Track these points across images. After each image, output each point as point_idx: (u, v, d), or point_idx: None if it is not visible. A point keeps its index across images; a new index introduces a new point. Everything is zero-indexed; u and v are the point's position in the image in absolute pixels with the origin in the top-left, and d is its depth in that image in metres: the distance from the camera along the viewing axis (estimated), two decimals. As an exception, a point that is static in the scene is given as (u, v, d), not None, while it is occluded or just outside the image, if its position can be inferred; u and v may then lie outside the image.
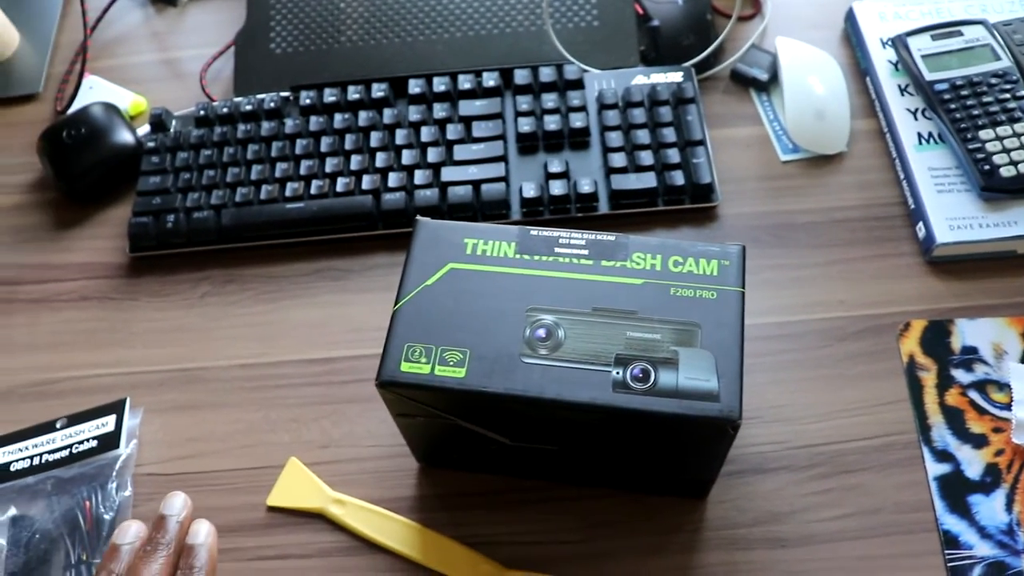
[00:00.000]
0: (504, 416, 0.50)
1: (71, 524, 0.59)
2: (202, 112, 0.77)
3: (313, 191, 0.71)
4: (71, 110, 0.81)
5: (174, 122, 0.78)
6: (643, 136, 0.72)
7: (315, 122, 0.75)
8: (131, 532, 0.46)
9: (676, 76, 0.75)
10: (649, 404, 0.46)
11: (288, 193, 0.71)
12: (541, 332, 0.49)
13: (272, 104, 0.76)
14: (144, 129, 0.78)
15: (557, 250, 0.52)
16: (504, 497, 0.59)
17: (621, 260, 0.51)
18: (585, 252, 0.52)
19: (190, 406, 0.65)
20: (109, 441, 0.62)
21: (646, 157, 0.71)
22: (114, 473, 0.61)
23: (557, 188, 0.70)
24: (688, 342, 0.48)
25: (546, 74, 0.75)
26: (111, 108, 0.78)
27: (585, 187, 0.69)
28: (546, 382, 0.47)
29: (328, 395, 0.64)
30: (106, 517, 0.59)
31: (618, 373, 0.47)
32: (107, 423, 0.63)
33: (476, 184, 0.70)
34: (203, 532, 0.46)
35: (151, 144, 0.75)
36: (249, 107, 0.76)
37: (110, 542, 0.46)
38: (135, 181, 0.75)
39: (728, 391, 0.46)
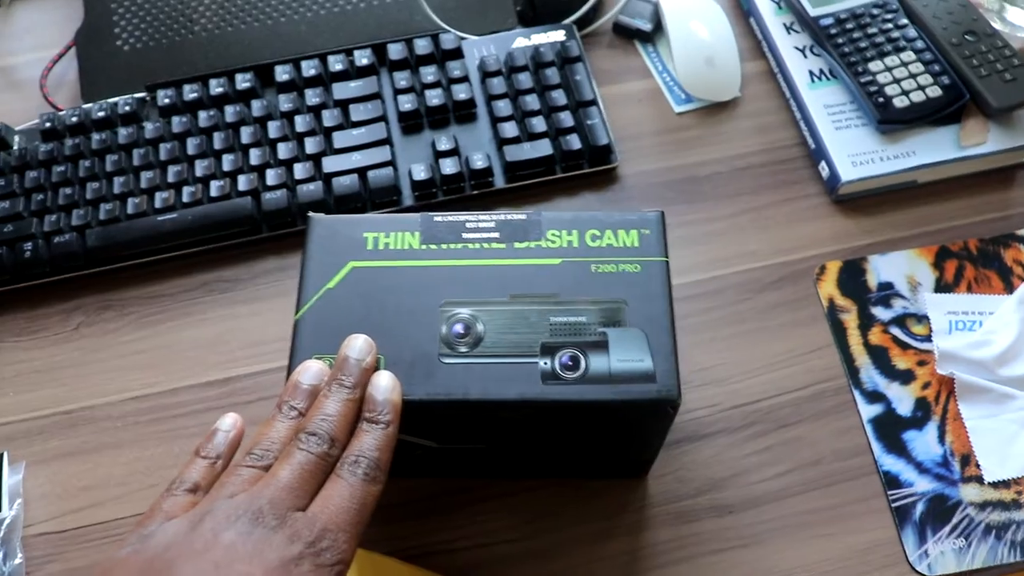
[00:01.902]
0: (429, 420, 0.46)
1: (-44, 606, 0.52)
2: (48, 124, 0.69)
3: (186, 199, 0.65)
4: None
5: (16, 138, 0.70)
6: (532, 102, 0.68)
7: (178, 123, 0.68)
8: (313, 371, 0.43)
9: (558, 35, 0.72)
10: (582, 393, 0.43)
11: (158, 204, 0.65)
12: (458, 328, 0.45)
13: (127, 107, 0.69)
14: (-18, 149, 0.70)
15: (465, 236, 0.48)
16: (439, 502, 0.56)
17: (535, 240, 0.48)
18: (496, 235, 0.48)
19: (79, 451, 0.59)
20: (-11, 505, 0.56)
21: (538, 124, 0.67)
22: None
23: (448, 167, 0.65)
24: (616, 321, 0.45)
25: (422, 46, 0.71)
26: (-60, 130, 0.69)
27: (478, 162, 0.66)
28: (470, 382, 0.44)
29: (232, 419, 0.59)
30: (-4, 593, 0.52)
31: (546, 363, 0.44)
32: (-16, 484, 0.57)
33: (362, 172, 0.66)
34: (385, 385, 0.43)
35: (-7, 166, 0.68)
36: (102, 113, 0.69)
37: (290, 379, 0.43)
38: (-20, 209, 0.67)
39: (664, 369, 0.44)
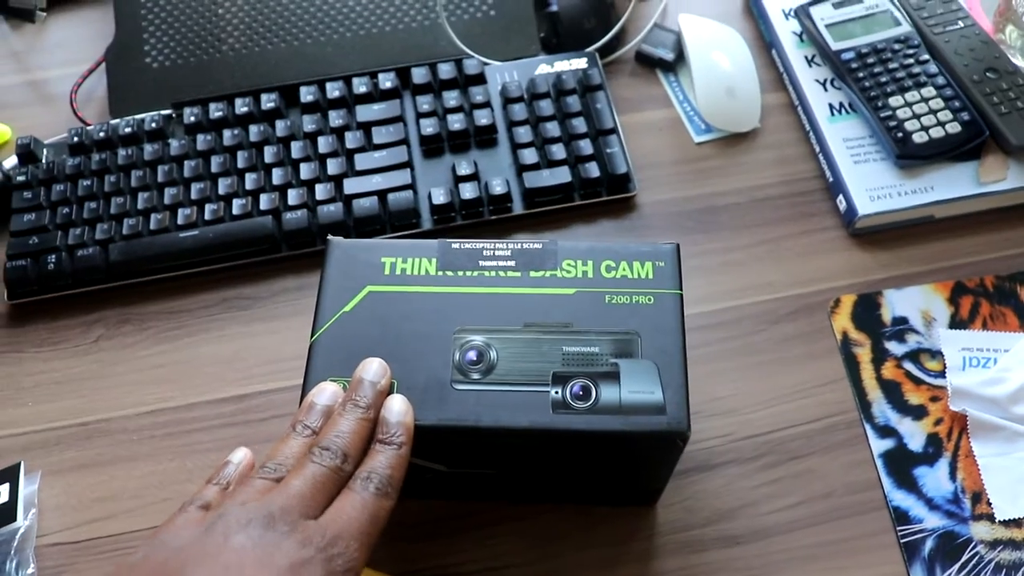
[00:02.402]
0: (440, 446, 0.47)
1: (-32, 614, 0.53)
2: (76, 138, 0.70)
3: (208, 216, 0.66)
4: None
5: (45, 151, 0.71)
6: (552, 129, 0.69)
7: (202, 140, 0.69)
8: (328, 392, 0.44)
9: (580, 62, 0.72)
10: (592, 424, 0.44)
11: (180, 220, 0.66)
12: (472, 355, 0.46)
13: (154, 124, 0.71)
14: (11, 161, 0.72)
15: (481, 263, 0.49)
16: (447, 524, 0.56)
17: (550, 269, 0.48)
18: (511, 263, 0.49)
19: (94, 463, 0.60)
20: (4, 514, 0.57)
21: (558, 151, 0.68)
22: (12, 550, 0.55)
23: (468, 191, 0.66)
24: (628, 352, 0.45)
25: (445, 70, 0.71)
26: (-30, 142, 0.71)
27: (497, 188, 0.66)
28: (481, 408, 0.44)
29: (246, 435, 0.60)
30: (9, 602, 0.53)
31: (557, 392, 0.45)
32: (0, 493, 0.58)
33: (382, 194, 0.66)
34: (399, 408, 0.43)
35: (21, 178, 0.69)
36: (128, 129, 0.70)
37: (305, 400, 0.44)
38: (7, 221, 0.68)
39: (674, 402, 0.44)
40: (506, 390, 0.45)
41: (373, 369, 0.44)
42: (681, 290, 0.47)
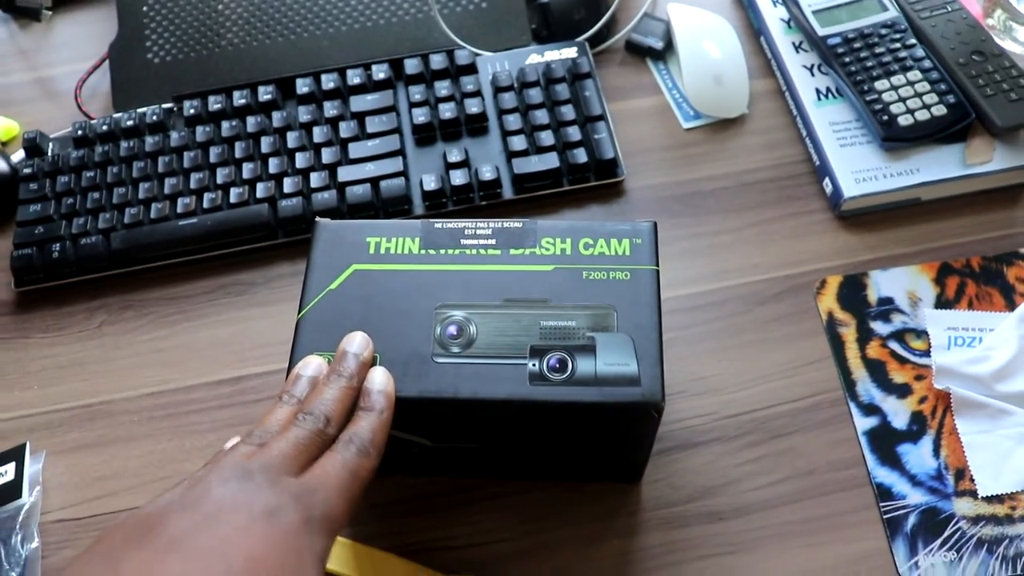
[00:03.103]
0: (422, 418, 0.48)
1: (-27, 585, 0.55)
2: (80, 132, 0.72)
3: (206, 205, 0.68)
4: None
5: (51, 145, 0.74)
6: (541, 116, 0.70)
7: (201, 132, 0.71)
8: (313, 365, 0.46)
9: (570, 52, 0.74)
10: (568, 395, 0.45)
11: (180, 209, 0.68)
12: (452, 329, 0.47)
13: (155, 117, 0.72)
14: (19, 155, 0.74)
15: (463, 242, 0.50)
16: (436, 500, 0.57)
17: (530, 247, 0.49)
18: (492, 242, 0.50)
19: (97, 443, 0.61)
20: (10, 491, 0.58)
21: (546, 137, 0.69)
22: (18, 525, 0.57)
23: (458, 178, 0.67)
24: (605, 326, 0.47)
25: (437, 61, 0.73)
26: (-22, 136, 0.73)
27: (487, 174, 0.67)
28: (460, 381, 0.46)
29: (242, 416, 0.61)
30: (12, 574, 0.55)
31: (534, 365, 0.46)
32: (6, 471, 0.59)
33: (375, 181, 0.68)
34: (380, 379, 0.45)
35: (28, 170, 0.71)
36: (130, 122, 0.72)
37: (291, 372, 0.46)
38: (14, 211, 0.70)
39: (649, 374, 0.45)
40: (485, 363, 0.46)
41: (356, 342, 0.46)
42: (657, 266, 0.48)
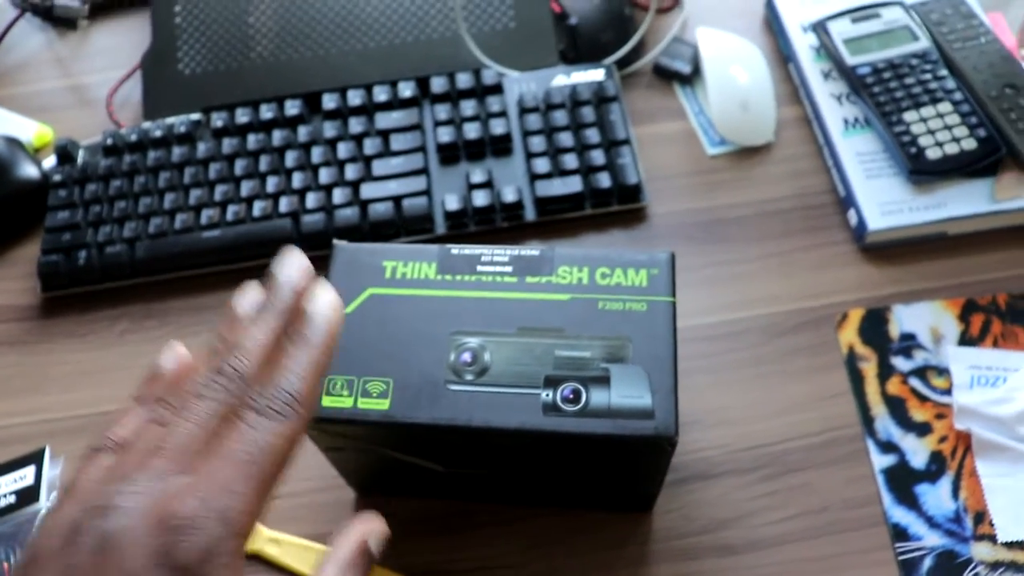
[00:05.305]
0: (434, 444, 0.48)
1: (-12, 590, 0.55)
2: (110, 140, 0.73)
3: (230, 217, 0.68)
4: (-31, 145, 0.77)
5: (81, 152, 0.75)
6: (566, 139, 0.70)
7: (228, 144, 0.72)
8: (248, 297, 0.35)
9: (597, 74, 0.73)
10: (581, 426, 0.45)
11: (204, 221, 0.68)
12: (466, 356, 0.47)
13: (183, 128, 0.73)
14: (50, 161, 0.75)
15: (480, 268, 0.50)
16: (445, 523, 0.57)
17: (547, 275, 0.49)
18: (509, 269, 0.50)
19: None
20: (28, 495, 0.59)
21: (570, 160, 0.69)
22: (35, 529, 0.57)
23: (481, 199, 0.68)
24: (620, 358, 0.46)
25: (464, 80, 0.73)
26: (13, 141, 0.74)
27: (509, 196, 0.67)
28: (473, 408, 0.45)
29: (257, 430, 0.62)
30: (25, 580, 0.55)
31: (548, 395, 0.45)
32: (25, 476, 0.60)
33: (397, 200, 0.68)
34: (325, 299, 0.34)
35: (58, 177, 0.72)
36: (159, 133, 0.73)
37: (228, 308, 0.34)
38: (43, 217, 0.71)
39: (663, 407, 0.45)
40: (498, 391, 0.46)
41: (290, 263, 0.35)
42: (674, 298, 0.48)
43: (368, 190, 0.69)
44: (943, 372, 0.61)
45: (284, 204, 0.68)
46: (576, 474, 0.51)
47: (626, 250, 0.50)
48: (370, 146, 0.71)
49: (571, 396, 0.45)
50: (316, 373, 0.32)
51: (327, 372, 0.36)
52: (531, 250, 0.50)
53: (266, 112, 0.73)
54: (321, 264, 0.67)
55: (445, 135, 0.70)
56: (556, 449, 0.47)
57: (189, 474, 0.28)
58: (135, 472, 0.28)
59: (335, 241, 0.52)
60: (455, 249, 0.51)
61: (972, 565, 0.54)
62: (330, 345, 0.33)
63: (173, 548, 0.27)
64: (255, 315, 0.33)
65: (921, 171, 0.65)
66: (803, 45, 0.74)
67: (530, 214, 0.68)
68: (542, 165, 0.69)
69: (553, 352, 0.47)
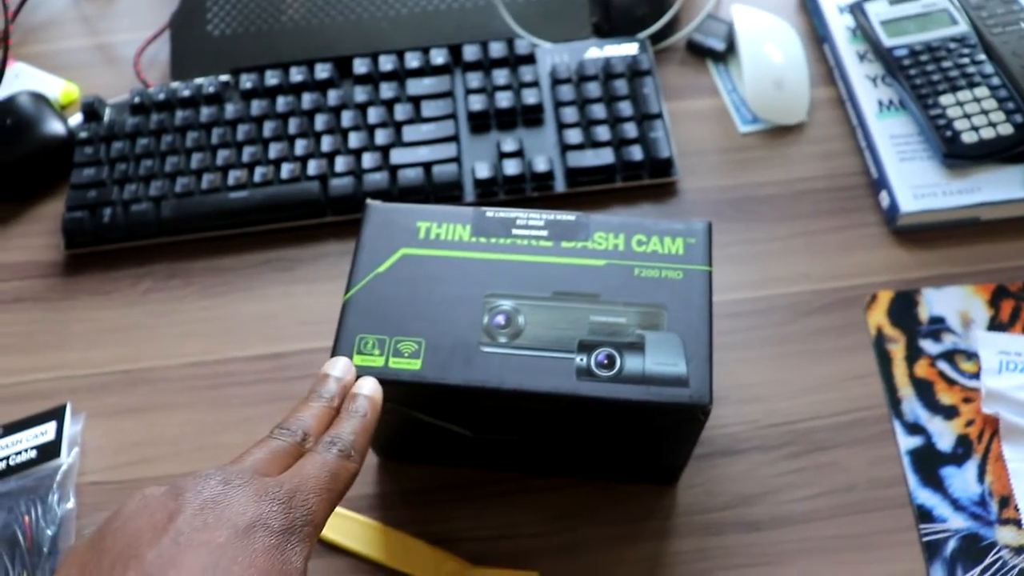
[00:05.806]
0: (464, 408, 0.48)
1: (10, 541, 0.55)
2: (137, 99, 0.73)
3: (257, 179, 0.68)
4: (-4, 100, 0.76)
5: (108, 110, 0.74)
6: (598, 111, 0.69)
7: (257, 106, 0.71)
8: (340, 365, 0.45)
9: (631, 48, 0.73)
10: (615, 392, 0.44)
11: (231, 182, 0.68)
12: (500, 319, 0.47)
13: (211, 89, 0.73)
14: (76, 118, 0.75)
15: (515, 232, 0.50)
16: (468, 490, 0.57)
17: (582, 241, 0.49)
18: (544, 233, 0.49)
19: (136, 409, 0.62)
20: (49, 450, 0.59)
21: (602, 132, 0.68)
22: (55, 484, 0.57)
23: (511, 167, 0.67)
24: (655, 325, 0.46)
25: (496, 49, 0.72)
26: (39, 97, 0.74)
27: (540, 166, 0.67)
28: (506, 372, 0.45)
29: (280, 392, 0.62)
30: (47, 532, 0.55)
31: (582, 360, 0.45)
32: (46, 431, 0.60)
33: (427, 166, 0.68)
34: (369, 385, 0.44)
35: (84, 134, 0.71)
36: (187, 92, 0.73)
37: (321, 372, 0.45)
38: (68, 174, 0.71)
39: (697, 375, 0.45)
40: (532, 355, 0.46)
41: (339, 366, 0.45)
42: (711, 267, 0.48)
43: (398, 155, 0.68)
44: (972, 356, 0.60)
45: (313, 167, 0.68)
46: (605, 442, 0.50)
47: (662, 219, 0.50)
48: (401, 112, 0.70)
49: (605, 361, 0.45)
50: (366, 436, 0.42)
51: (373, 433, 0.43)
52: (567, 215, 0.50)
53: (296, 75, 0.72)
54: (350, 229, 0.68)
55: (476, 103, 0.70)
56: (587, 415, 0.46)
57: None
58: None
59: (368, 200, 0.51)
60: (490, 212, 0.50)
61: (996, 549, 0.54)
62: (375, 416, 0.43)
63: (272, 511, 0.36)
64: (306, 399, 0.43)
65: (956, 155, 0.65)
66: (839, 26, 0.74)
67: (560, 185, 0.68)
68: (574, 136, 0.68)
69: (588, 317, 0.47)
